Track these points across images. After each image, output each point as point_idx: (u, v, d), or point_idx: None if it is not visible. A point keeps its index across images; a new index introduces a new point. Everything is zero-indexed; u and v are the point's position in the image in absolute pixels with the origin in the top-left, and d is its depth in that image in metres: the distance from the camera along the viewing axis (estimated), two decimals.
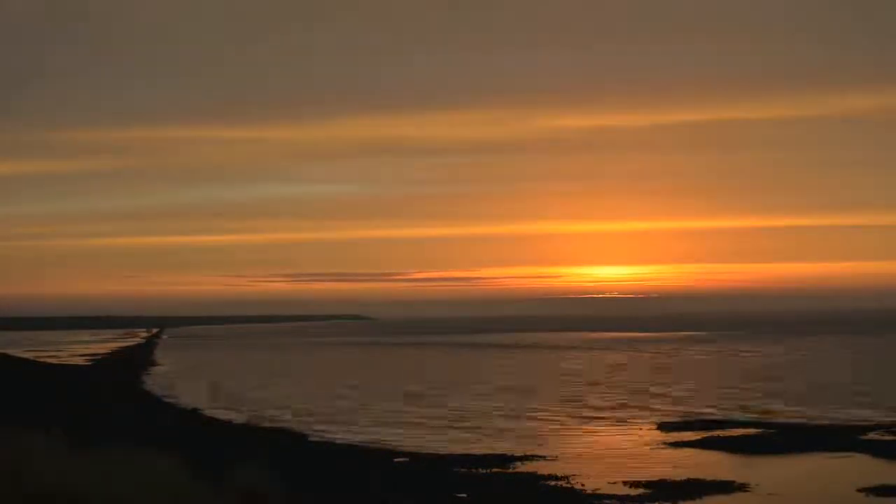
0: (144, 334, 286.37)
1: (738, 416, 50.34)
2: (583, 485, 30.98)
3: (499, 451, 38.79)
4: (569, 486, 30.88)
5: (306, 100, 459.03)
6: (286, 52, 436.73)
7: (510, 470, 34.19)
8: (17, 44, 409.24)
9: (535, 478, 32.35)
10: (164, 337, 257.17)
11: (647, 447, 39.98)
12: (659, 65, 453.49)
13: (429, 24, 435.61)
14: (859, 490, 29.47)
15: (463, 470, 33.89)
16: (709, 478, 31.87)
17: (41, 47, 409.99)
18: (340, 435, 45.37)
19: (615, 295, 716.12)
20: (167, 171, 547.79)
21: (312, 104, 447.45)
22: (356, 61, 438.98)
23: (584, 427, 47.38)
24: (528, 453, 38.11)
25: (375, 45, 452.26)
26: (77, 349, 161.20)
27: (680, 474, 32.63)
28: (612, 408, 56.38)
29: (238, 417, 54.53)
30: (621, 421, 49.69)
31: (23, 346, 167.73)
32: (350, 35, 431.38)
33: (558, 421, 50.15)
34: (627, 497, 29.03)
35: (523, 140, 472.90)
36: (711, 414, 51.67)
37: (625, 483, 31.16)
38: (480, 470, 33.95)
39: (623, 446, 40.62)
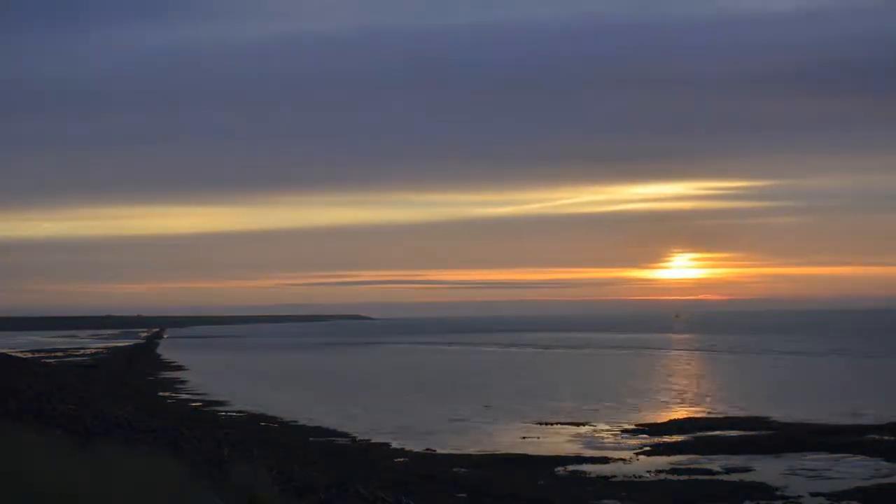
0: (145, 334, 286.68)
1: (736, 416, 50.33)
2: (583, 486, 31.02)
3: (499, 452, 38.86)
4: (569, 486, 30.92)
5: None
6: None
7: (510, 470, 34.21)
8: None
9: (535, 478, 32.39)
10: (166, 337, 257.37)
11: (647, 448, 39.97)
12: None
13: None
14: (858, 490, 29.51)
15: (463, 470, 33.92)
16: (709, 479, 31.92)
17: None
18: (342, 435, 45.42)
19: None
20: None
21: None
22: None
23: (583, 427, 47.38)
24: (528, 454, 38.15)
25: None
26: (77, 349, 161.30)
27: (680, 476, 32.67)
28: (610, 408, 56.44)
29: (238, 416, 54.58)
30: (619, 421, 49.70)
31: (22, 346, 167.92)
32: None
33: (558, 421, 50.16)
34: (628, 498, 29.07)
35: None
36: (711, 415, 51.75)
37: (625, 484, 31.20)
38: (480, 470, 33.97)
39: (623, 447, 40.62)
